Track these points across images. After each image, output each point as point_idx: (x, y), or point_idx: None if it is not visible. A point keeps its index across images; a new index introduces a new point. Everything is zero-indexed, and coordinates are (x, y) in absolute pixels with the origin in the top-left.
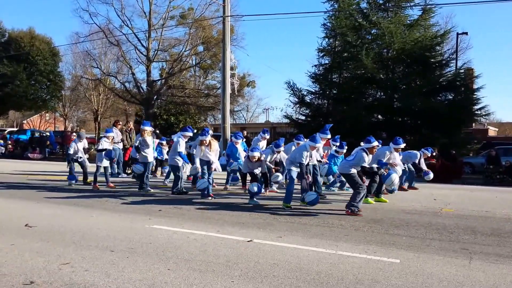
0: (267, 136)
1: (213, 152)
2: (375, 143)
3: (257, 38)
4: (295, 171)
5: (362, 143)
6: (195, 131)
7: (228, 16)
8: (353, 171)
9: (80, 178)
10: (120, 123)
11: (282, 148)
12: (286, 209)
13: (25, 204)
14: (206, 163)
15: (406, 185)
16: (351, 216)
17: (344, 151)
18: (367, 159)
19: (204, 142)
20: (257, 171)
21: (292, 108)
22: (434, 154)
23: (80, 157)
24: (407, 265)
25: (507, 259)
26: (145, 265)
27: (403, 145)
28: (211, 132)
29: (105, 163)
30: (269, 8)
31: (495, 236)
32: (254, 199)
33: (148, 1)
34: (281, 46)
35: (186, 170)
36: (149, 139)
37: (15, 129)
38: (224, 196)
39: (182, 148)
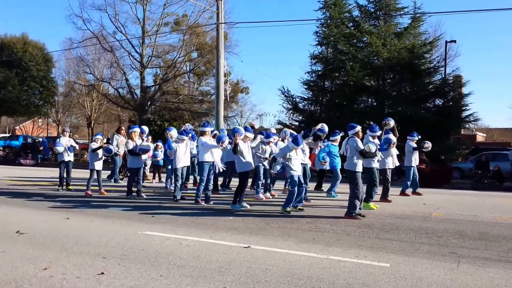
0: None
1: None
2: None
3: (251, 45)
4: (295, 176)
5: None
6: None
7: (221, 23)
8: (359, 169)
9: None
10: (123, 129)
11: (272, 139)
12: (284, 213)
13: (17, 210)
14: (209, 165)
15: (408, 191)
16: (343, 221)
17: (338, 137)
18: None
19: (207, 133)
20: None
21: (286, 114)
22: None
23: (67, 160)
24: (397, 269)
25: (494, 263)
26: (137, 272)
27: (379, 133)
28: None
29: (98, 166)
30: (262, 15)
31: (483, 240)
32: (237, 204)
33: (142, 8)
34: (275, 52)
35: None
36: (139, 142)
37: (7, 135)
38: (217, 201)
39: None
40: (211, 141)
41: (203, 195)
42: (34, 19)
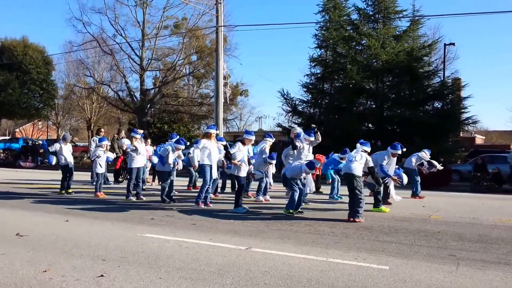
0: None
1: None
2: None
3: (250, 47)
4: (297, 178)
5: (358, 145)
6: (188, 143)
7: (221, 26)
8: (359, 172)
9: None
10: (102, 130)
11: (274, 162)
12: (288, 214)
13: (16, 212)
14: (210, 168)
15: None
16: (342, 223)
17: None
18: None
19: (211, 135)
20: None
21: (285, 117)
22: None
23: (68, 164)
24: (396, 272)
25: (493, 265)
26: (136, 274)
27: (400, 151)
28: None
29: (101, 170)
30: (262, 18)
31: (482, 242)
32: (240, 207)
33: (142, 11)
34: (274, 55)
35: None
36: (140, 146)
37: (7, 137)
38: (217, 204)
39: (170, 159)
40: (210, 144)
41: (204, 198)
42: (34, 22)
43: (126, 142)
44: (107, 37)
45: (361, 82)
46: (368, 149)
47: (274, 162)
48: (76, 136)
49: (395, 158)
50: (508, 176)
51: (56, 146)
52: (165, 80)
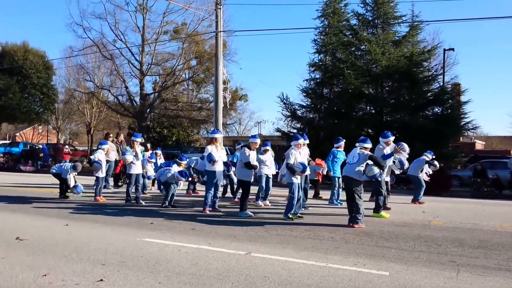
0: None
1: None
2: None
3: (249, 52)
4: (296, 183)
5: (357, 144)
6: (187, 159)
7: (220, 31)
8: (359, 177)
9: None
10: (111, 135)
11: (269, 147)
12: (287, 220)
13: (16, 216)
14: (214, 174)
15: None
16: (341, 228)
17: (342, 143)
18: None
19: (216, 140)
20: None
21: (284, 121)
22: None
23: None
24: (396, 278)
25: (493, 271)
26: (136, 279)
27: (392, 138)
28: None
29: (102, 174)
30: (261, 23)
31: (483, 248)
32: (245, 212)
33: (142, 16)
34: (273, 60)
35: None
36: (139, 150)
37: (7, 141)
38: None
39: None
40: (217, 151)
41: (212, 202)
42: (35, 27)
43: (129, 159)
44: (107, 42)
45: (361, 87)
46: (369, 145)
47: (267, 148)
48: (76, 141)
49: (392, 145)
50: (508, 182)
51: (69, 177)
52: (164, 85)
